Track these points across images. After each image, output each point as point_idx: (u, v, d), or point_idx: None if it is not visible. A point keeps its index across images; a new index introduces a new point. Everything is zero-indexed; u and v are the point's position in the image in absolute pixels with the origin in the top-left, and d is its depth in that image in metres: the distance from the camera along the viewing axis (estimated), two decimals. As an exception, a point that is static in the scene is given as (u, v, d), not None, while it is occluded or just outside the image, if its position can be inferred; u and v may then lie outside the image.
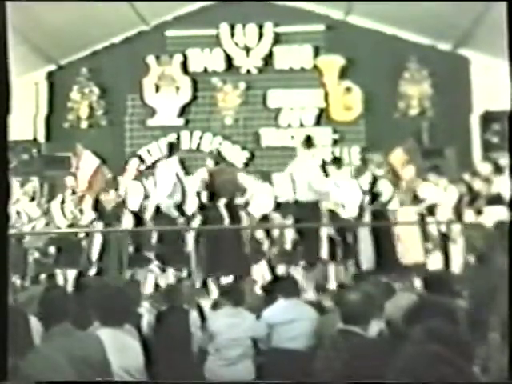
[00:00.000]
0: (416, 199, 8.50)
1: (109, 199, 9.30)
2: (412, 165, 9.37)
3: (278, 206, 8.75)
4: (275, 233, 8.58)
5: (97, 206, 9.08)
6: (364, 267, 8.13)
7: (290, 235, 8.40)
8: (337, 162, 8.98)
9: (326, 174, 8.85)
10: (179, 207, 8.86)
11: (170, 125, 11.44)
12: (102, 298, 3.83)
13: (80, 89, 11.58)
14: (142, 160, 9.64)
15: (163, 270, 8.27)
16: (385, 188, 8.70)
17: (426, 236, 8.13)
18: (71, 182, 9.62)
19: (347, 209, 8.56)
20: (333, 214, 8.50)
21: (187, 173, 10.29)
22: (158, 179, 9.05)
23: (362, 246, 8.25)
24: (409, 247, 7.97)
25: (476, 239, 4.96)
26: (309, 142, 8.78)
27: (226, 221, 8.47)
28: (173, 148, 11.18)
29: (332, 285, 8.01)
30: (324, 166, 8.97)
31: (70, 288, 8.01)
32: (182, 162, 10.25)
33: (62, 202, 9.31)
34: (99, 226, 8.96)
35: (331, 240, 8.29)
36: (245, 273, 8.14)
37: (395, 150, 9.98)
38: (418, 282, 7.11)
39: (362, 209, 8.52)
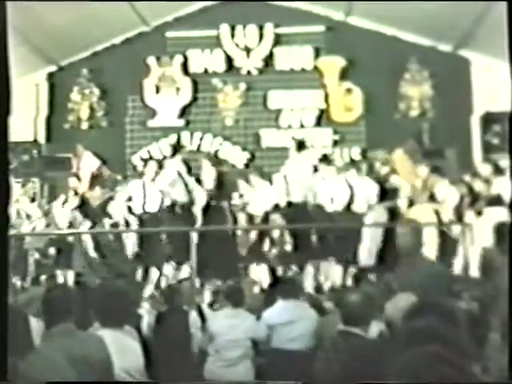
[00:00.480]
0: (432, 198, 8.48)
1: (94, 196, 9.33)
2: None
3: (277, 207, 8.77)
4: (275, 234, 8.58)
5: (83, 203, 9.12)
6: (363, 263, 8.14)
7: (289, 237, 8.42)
8: (326, 159, 8.97)
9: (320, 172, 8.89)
10: (183, 207, 8.87)
11: (170, 126, 11.43)
12: (102, 299, 3.83)
13: (80, 90, 11.57)
14: (159, 163, 9.53)
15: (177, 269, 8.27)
16: (398, 185, 8.70)
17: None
18: (74, 183, 9.65)
19: (337, 205, 8.60)
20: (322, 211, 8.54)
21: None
22: (161, 176, 9.07)
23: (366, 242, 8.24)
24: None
25: (404, 237, 4.97)
26: (301, 145, 8.81)
27: (229, 222, 8.52)
28: (176, 149, 11.11)
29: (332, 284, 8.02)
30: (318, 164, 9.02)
31: (71, 288, 8.01)
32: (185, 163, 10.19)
33: (64, 203, 9.34)
34: (86, 223, 9.00)
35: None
36: (244, 274, 8.16)
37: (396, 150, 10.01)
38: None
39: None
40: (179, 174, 8.99)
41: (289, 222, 8.44)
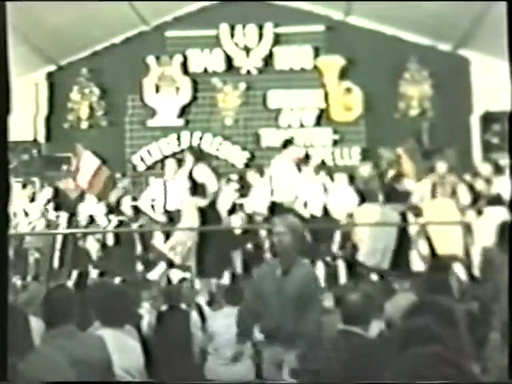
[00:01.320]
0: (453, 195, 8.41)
1: (70, 189, 9.32)
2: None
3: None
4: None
5: (57, 196, 9.12)
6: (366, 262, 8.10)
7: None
8: (307, 159, 8.90)
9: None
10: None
11: (170, 125, 11.44)
12: (102, 299, 3.83)
13: (80, 89, 11.57)
14: (179, 160, 9.37)
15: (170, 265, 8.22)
16: (410, 189, 8.63)
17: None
18: (65, 184, 9.68)
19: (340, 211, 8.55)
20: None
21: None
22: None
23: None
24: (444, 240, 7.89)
25: (282, 236, 4.55)
26: (288, 143, 8.73)
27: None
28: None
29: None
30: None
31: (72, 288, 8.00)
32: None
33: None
34: (63, 217, 8.99)
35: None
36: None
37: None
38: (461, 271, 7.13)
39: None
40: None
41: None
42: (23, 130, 10.83)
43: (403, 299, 4.55)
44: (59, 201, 9.29)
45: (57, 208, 9.21)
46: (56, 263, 8.78)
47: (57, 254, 8.78)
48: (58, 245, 8.83)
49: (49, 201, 9.24)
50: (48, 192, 9.35)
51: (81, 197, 9.17)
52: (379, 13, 10.39)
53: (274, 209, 8.18)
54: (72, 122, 11.55)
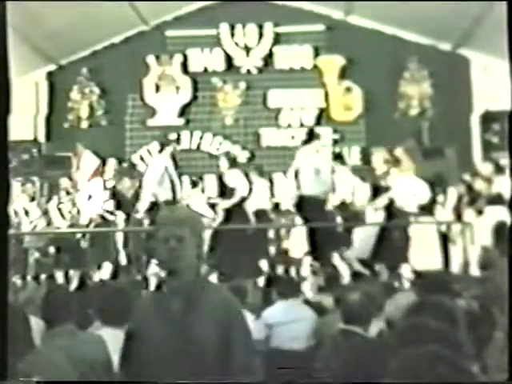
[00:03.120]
0: None
1: (127, 187, 9.31)
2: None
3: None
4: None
5: (114, 195, 9.09)
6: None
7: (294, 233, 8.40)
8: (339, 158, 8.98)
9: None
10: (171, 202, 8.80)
11: (170, 125, 11.44)
12: (102, 298, 3.83)
13: (80, 89, 11.57)
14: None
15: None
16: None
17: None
18: (65, 183, 9.67)
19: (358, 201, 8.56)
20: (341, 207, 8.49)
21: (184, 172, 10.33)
22: (147, 171, 9.05)
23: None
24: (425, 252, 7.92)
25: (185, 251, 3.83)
26: (311, 136, 8.76)
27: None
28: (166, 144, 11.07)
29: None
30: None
31: (72, 288, 8.01)
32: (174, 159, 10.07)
33: (59, 203, 9.36)
34: (120, 216, 8.96)
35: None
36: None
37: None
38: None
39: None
40: (166, 170, 8.89)
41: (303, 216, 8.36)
42: (23, 130, 10.82)
43: (403, 298, 4.55)
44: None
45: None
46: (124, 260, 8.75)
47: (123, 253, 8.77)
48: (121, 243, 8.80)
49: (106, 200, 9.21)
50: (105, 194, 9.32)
51: (136, 197, 9.16)
52: (379, 12, 10.38)
53: (304, 203, 8.15)
54: (72, 121, 11.56)
